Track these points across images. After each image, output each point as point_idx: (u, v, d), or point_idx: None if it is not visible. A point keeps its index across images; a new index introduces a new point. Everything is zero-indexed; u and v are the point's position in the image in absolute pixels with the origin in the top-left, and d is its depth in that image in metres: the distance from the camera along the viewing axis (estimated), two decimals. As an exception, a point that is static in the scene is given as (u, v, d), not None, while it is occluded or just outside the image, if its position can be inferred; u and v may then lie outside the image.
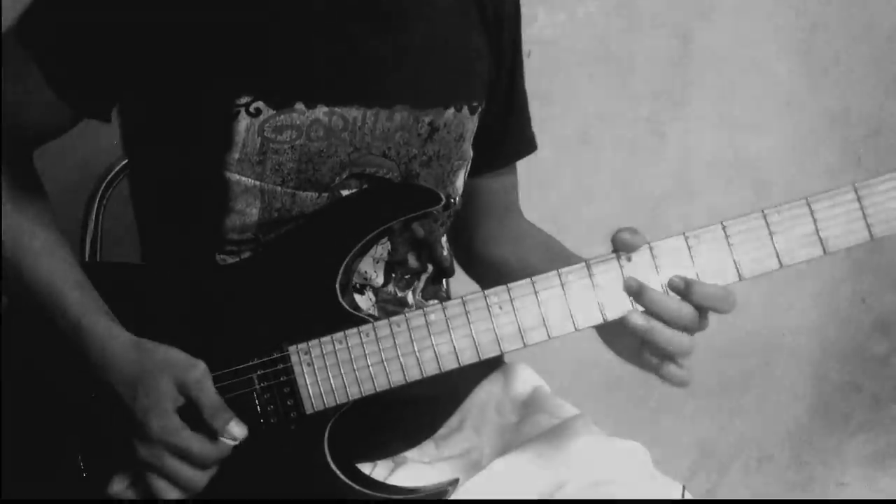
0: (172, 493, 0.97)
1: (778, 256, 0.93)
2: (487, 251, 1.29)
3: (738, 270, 0.94)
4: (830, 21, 2.23)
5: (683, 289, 0.93)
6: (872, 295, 2.46)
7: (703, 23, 2.14)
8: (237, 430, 0.96)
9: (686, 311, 0.93)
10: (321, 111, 1.03)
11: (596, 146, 2.13)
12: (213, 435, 0.96)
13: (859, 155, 2.34)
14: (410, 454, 1.18)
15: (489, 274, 1.29)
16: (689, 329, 0.94)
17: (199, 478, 0.97)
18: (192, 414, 0.97)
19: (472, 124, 1.15)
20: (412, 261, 1.17)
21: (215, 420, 0.96)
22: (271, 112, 1.01)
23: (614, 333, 1.00)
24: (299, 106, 1.02)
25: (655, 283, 0.95)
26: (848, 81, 2.27)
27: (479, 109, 1.16)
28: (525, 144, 1.30)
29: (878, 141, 2.34)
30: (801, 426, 2.50)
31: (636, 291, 0.94)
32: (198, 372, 0.97)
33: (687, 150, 2.21)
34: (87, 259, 1.42)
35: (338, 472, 1.01)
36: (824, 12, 2.22)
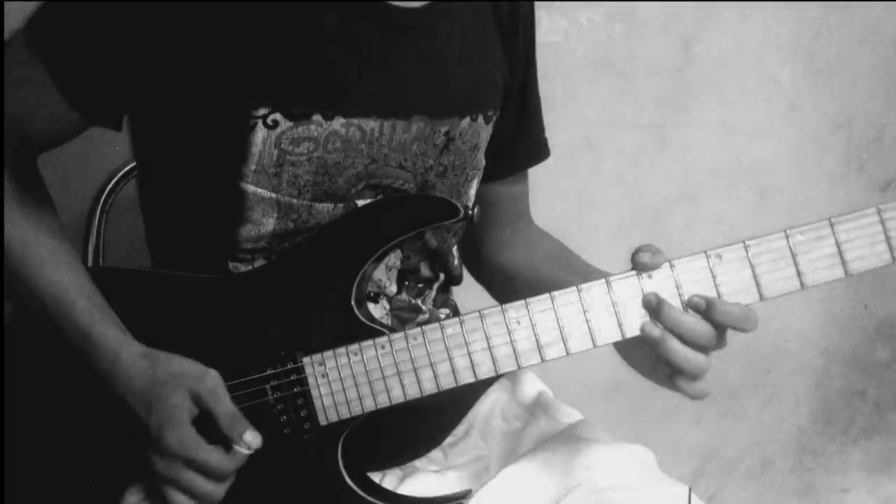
0: None
1: (800, 277, 0.92)
2: (498, 258, 1.29)
3: (759, 291, 0.93)
4: (833, 27, 2.23)
5: (704, 308, 0.92)
6: (875, 301, 2.46)
7: (704, 29, 2.14)
8: (252, 440, 0.95)
9: (704, 329, 0.92)
10: (339, 123, 1.02)
11: (598, 152, 2.13)
12: (227, 445, 0.95)
13: (862, 161, 2.34)
14: (419, 463, 1.18)
15: (499, 280, 1.29)
16: (706, 348, 0.93)
17: (216, 490, 0.96)
18: (206, 424, 0.96)
19: (486, 133, 1.15)
20: (425, 270, 1.17)
21: (231, 430, 0.95)
22: (289, 124, 1.00)
23: (630, 346, 0.99)
24: (317, 118, 1.01)
25: (675, 300, 0.93)
26: (850, 87, 2.28)
27: (494, 118, 1.16)
28: (538, 151, 1.29)
29: (880, 147, 2.34)
30: (803, 432, 2.50)
31: (654, 308, 0.93)
32: (211, 381, 0.96)
33: (689, 156, 2.21)
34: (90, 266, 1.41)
35: (352, 484, 1.01)
36: (826, 18, 2.22)
